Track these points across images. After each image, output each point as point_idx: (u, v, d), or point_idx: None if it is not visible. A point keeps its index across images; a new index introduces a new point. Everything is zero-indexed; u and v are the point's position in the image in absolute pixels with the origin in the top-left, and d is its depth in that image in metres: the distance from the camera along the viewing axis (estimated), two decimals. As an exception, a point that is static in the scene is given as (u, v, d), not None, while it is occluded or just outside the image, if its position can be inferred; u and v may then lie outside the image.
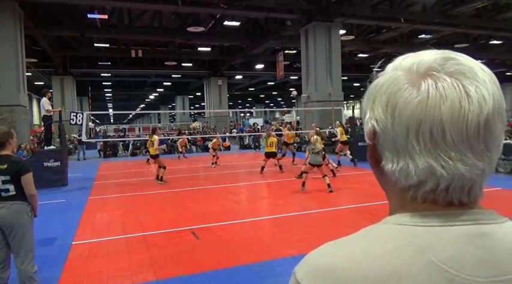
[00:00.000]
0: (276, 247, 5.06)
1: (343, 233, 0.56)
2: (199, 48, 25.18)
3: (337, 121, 14.15)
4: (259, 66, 30.26)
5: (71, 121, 12.03)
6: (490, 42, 25.93)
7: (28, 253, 3.44)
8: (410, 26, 20.24)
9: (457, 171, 0.49)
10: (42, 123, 12.90)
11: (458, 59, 0.52)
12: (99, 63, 27.40)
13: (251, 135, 25.33)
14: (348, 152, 13.54)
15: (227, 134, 27.08)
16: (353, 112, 54.50)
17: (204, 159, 17.83)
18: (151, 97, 50.40)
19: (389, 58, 0.58)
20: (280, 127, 16.99)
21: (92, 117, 45.99)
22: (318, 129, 11.86)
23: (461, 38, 23.87)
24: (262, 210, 7.81)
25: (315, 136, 9.29)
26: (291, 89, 24.75)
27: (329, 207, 7.35)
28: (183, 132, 29.41)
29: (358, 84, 40.25)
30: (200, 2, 16.01)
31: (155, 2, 16.08)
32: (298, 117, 29.60)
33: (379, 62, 0.61)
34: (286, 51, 24.74)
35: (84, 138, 15.13)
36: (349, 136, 15.58)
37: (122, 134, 34.39)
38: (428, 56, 0.52)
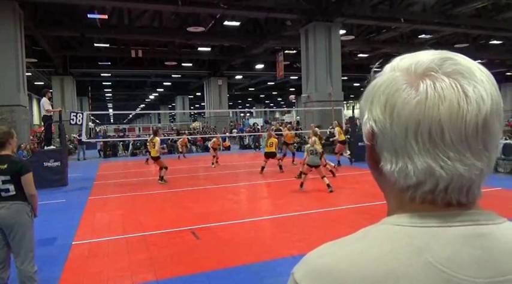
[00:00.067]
0: (276, 247, 5.06)
1: (343, 233, 0.56)
2: (199, 48, 25.17)
3: (335, 121, 14.15)
4: (259, 66, 30.25)
5: (71, 121, 12.03)
6: (490, 42, 25.92)
7: (28, 253, 3.44)
8: (410, 26, 20.23)
9: (456, 171, 0.49)
10: (42, 123, 12.90)
11: (456, 59, 0.52)
12: (99, 63, 27.40)
13: (251, 135, 25.34)
14: (348, 152, 13.54)
15: (227, 134, 27.08)
16: (353, 112, 54.46)
17: (204, 159, 17.83)
18: (151, 97, 50.39)
19: (387, 58, 0.58)
20: (280, 127, 16.99)
21: (92, 117, 45.98)
22: (316, 129, 11.85)
23: (461, 38, 23.87)
24: (262, 209, 7.81)
25: (313, 138, 9.30)
26: (290, 96, 24.73)
27: (329, 207, 7.34)
28: (182, 132, 29.39)
29: (358, 84, 40.24)
30: (200, 2, 16.00)
31: (155, 2, 16.08)
32: (298, 117, 29.60)
33: (377, 63, 0.61)
34: (286, 51, 24.73)
35: (84, 138, 15.13)
36: (349, 136, 15.61)
37: (122, 134, 34.39)
38: (426, 56, 0.52)
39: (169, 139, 22.79)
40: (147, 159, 16.48)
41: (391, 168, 0.53)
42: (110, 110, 65.73)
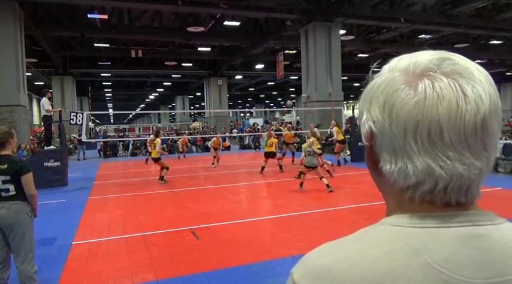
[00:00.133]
0: (276, 247, 5.06)
1: (343, 233, 0.56)
2: (199, 48, 25.17)
3: (333, 121, 14.17)
4: (259, 66, 30.26)
5: (71, 121, 12.03)
6: (490, 42, 25.92)
7: (28, 253, 3.44)
8: (410, 26, 20.23)
9: (456, 171, 0.49)
10: (42, 123, 12.91)
11: (454, 59, 0.52)
12: (99, 63, 27.40)
13: (251, 135, 25.34)
14: (348, 152, 13.56)
15: (227, 134, 27.08)
16: (353, 112, 54.47)
17: (204, 159, 17.84)
18: (151, 97, 50.39)
19: (386, 58, 0.58)
20: (280, 127, 17.00)
21: (92, 117, 45.99)
22: (315, 129, 11.86)
23: (461, 38, 23.87)
24: (262, 209, 7.81)
25: (311, 139, 9.30)
26: (288, 102, 24.71)
27: (329, 207, 7.34)
28: (182, 132, 29.38)
29: (358, 84, 40.24)
30: (200, 2, 16.00)
31: (155, 2, 16.08)
32: (298, 117, 29.60)
33: (375, 63, 0.61)
34: (286, 51, 24.73)
35: (84, 138, 15.13)
36: (349, 136, 15.62)
37: (122, 134, 34.39)
38: (425, 57, 0.52)
39: (169, 139, 22.80)
40: (147, 159, 16.48)
41: (391, 168, 0.52)
42: (110, 110, 65.75)
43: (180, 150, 20.02)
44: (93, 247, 5.36)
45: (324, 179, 8.81)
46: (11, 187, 3.37)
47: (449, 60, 0.51)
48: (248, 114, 46.32)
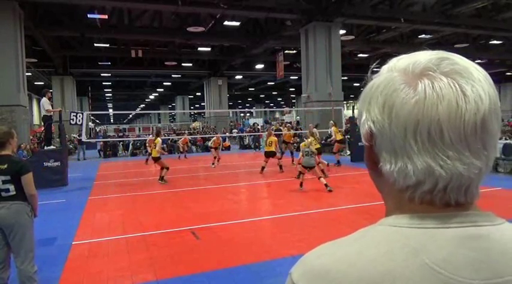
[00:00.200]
0: (276, 247, 5.06)
1: (343, 233, 0.56)
2: (199, 48, 25.17)
3: (331, 121, 14.18)
4: (259, 66, 30.26)
5: (71, 121, 12.03)
6: (490, 42, 25.93)
7: (28, 253, 3.44)
8: (410, 26, 20.24)
9: (456, 170, 0.49)
10: (42, 123, 12.91)
11: (453, 58, 0.52)
12: (99, 63, 27.41)
13: (251, 135, 25.34)
14: (348, 152, 13.57)
15: (227, 134, 27.08)
16: (353, 112, 54.46)
17: (204, 159, 17.84)
18: (151, 97, 50.39)
19: (386, 59, 0.58)
20: (280, 127, 17.01)
21: (92, 117, 46.00)
22: (315, 129, 11.88)
23: (461, 38, 23.87)
24: (262, 209, 7.81)
25: (309, 139, 9.33)
26: (285, 109, 24.78)
27: (329, 207, 7.34)
28: (182, 132, 29.36)
29: (358, 84, 40.23)
30: (200, 2, 16.00)
31: (155, 2, 16.08)
32: (298, 117, 29.61)
33: (374, 63, 0.61)
34: (286, 51, 24.73)
35: (84, 138, 15.13)
36: (349, 136, 15.63)
37: (122, 134, 34.40)
38: (424, 57, 0.52)
39: (169, 139, 22.81)
40: (147, 159, 16.48)
41: (391, 168, 0.52)
42: (110, 110, 65.75)
43: (181, 150, 20.00)
44: (93, 247, 5.36)
45: (322, 179, 8.83)
46: (11, 187, 3.37)
47: (448, 59, 0.51)
48: (248, 114, 46.33)
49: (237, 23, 19.87)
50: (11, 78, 14.26)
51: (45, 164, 10.94)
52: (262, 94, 54.38)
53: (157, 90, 43.84)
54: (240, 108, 58.27)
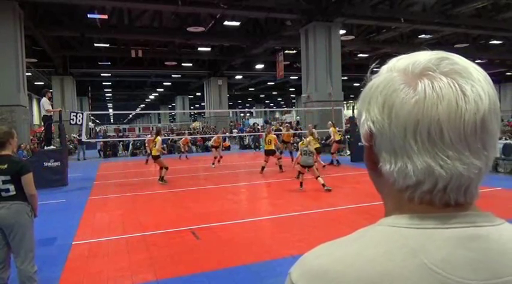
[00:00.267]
0: (276, 247, 5.06)
1: (343, 233, 0.56)
2: (199, 48, 25.17)
3: (329, 122, 14.20)
4: (259, 66, 30.26)
5: (71, 121, 12.03)
6: (490, 42, 25.94)
7: (28, 253, 3.44)
8: (410, 26, 20.24)
9: (456, 170, 0.49)
10: (42, 123, 12.91)
11: (452, 58, 0.52)
12: (99, 63, 27.41)
13: (251, 135, 25.34)
14: (348, 152, 13.58)
15: (227, 134, 27.08)
16: (353, 112, 54.46)
17: (204, 159, 17.84)
18: (151, 97, 50.40)
19: (386, 58, 0.58)
20: (280, 127, 17.03)
21: (92, 117, 46.00)
22: (314, 129, 11.89)
23: (461, 38, 23.87)
24: (262, 209, 7.81)
25: (308, 138, 9.35)
26: (285, 114, 24.84)
27: (329, 207, 7.34)
28: (182, 132, 29.36)
29: (358, 84, 40.23)
30: (200, 2, 16.00)
31: (155, 2, 16.08)
32: (298, 117, 29.63)
33: (374, 63, 0.61)
34: (286, 51, 24.73)
35: (84, 138, 15.13)
36: (349, 136, 15.63)
37: (121, 134, 34.39)
38: (423, 57, 0.52)
39: (169, 139, 22.81)
40: (147, 160, 16.48)
41: (390, 168, 0.52)
42: (110, 110, 65.75)
43: (182, 150, 20.01)
44: (93, 247, 5.36)
45: (320, 178, 8.84)
46: (11, 187, 3.37)
47: (448, 59, 0.52)
48: (248, 114, 46.35)
49: (237, 23, 19.87)
50: (11, 78, 14.26)
51: (45, 164, 10.94)
52: (262, 94, 54.38)
53: (157, 90, 43.84)
54: (240, 108, 58.28)
